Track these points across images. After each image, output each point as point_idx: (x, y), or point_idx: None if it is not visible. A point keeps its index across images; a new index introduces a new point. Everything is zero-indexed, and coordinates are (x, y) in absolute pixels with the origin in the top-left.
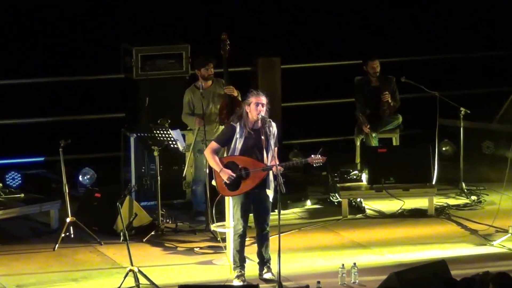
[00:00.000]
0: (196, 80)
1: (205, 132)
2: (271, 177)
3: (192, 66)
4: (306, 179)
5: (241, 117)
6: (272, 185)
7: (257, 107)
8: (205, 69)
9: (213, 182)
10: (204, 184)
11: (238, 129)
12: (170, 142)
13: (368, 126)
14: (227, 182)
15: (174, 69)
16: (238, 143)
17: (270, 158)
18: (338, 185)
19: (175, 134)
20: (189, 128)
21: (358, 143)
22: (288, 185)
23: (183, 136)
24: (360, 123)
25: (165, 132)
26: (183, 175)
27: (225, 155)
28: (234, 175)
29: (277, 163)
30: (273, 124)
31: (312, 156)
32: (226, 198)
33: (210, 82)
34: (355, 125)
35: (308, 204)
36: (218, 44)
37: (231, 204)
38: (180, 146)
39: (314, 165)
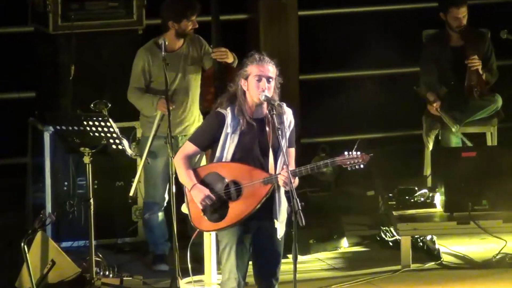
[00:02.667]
0: (157, 34)
1: (171, 124)
2: (280, 198)
3: (162, 16)
4: (340, 203)
5: (235, 98)
6: (283, 212)
7: (259, 82)
8: (186, 22)
9: (183, 208)
10: (165, 210)
11: (229, 119)
12: (112, 141)
13: (438, 104)
14: (202, 207)
15: (117, 17)
16: (229, 142)
17: (281, 164)
18: (394, 213)
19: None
20: (142, 117)
21: (429, 143)
22: (310, 213)
23: (128, 138)
24: (426, 99)
25: (102, 123)
26: (133, 194)
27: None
28: (211, 196)
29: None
30: (287, 111)
31: (346, 153)
32: (206, 234)
33: (181, 41)
34: (422, 112)
35: (344, 245)
36: None
37: (215, 245)
38: (128, 148)
39: (350, 168)
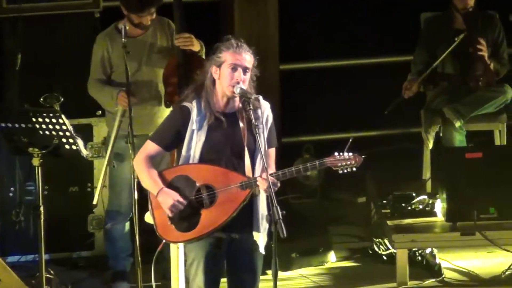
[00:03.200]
0: (118, 18)
1: (132, 120)
2: (260, 206)
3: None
4: (326, 211)
5: (201, 89)
6: (263, 222)
7: (234, 72)
8: (137, 17)
9: (147, 217)
10: (131, 220)
11: (195, 114)
12: (64, 140)
13: (415, 88)
14: (171, 214)
15: None
16: (196, 140)
17: (260, 167)
18: (389, 222)
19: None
20: (108, 114)
21: (429, 141)
22: (292, 223)
23: (84, 137)
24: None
25: (54, 120)
26: (96, 202)
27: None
28: (182, 200)
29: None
30: (264, 104)
31: (336, 154)
32: (174, 247)
33: (142, 27)
34: (421, 106)
35: (331, 259)
36: None
37: (182, 259)
38: (83, 148)
39: (341, 171)
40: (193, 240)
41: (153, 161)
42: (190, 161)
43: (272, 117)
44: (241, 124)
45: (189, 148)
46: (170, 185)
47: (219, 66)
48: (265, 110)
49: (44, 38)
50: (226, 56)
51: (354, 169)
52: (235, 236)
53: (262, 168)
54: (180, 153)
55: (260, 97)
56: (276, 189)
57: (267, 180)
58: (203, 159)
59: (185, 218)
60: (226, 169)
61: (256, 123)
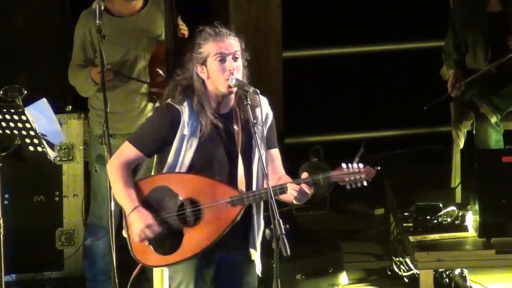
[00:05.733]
0: None
1: (113, 115)
2: (259, 221)
3: None
4: (337, 225)
5: (191, 90)
6: (257, 240)
7: (223, 62)
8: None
9: (124, 234)
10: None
11: (187, 117)
12: (28, 141)
13: (462, 86)
14: (138, 241)
15: None
16: (186, 147)
17: (259, 175)
18: (411, 238)
19: (48, 125)
20: (91, 110)
21: (459, 140)
22: (297, 239)
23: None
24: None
25: (15, 117)
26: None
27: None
28: (155, 226)
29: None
30: (262, 101)
31: (343, 166)
32: (157, 271)
33: (137, 5)
34: (449, 101)
35: (344, 282)
36: None
37: (167, 281)
38: (50, 150)
39: (349, 186)
40: (175, 264)
41: (130, 167)
42: (177, 170)
43: (272, 115)
44: (235, 127)
45: (177, 156)
46: (148, 198)
47: (203, 63)
48: (263, 107)
49: (4, 21)
50: (208, 48)
51: (365, 183)
52: (227, 255)
53: (262, 180)
54: (165, 159)
55: (258, 93)
56: (304, 200)
57: (297, 187)
58: (191, 169)
59: (165, 238)
60: (214, 181)
61: (254, 121)
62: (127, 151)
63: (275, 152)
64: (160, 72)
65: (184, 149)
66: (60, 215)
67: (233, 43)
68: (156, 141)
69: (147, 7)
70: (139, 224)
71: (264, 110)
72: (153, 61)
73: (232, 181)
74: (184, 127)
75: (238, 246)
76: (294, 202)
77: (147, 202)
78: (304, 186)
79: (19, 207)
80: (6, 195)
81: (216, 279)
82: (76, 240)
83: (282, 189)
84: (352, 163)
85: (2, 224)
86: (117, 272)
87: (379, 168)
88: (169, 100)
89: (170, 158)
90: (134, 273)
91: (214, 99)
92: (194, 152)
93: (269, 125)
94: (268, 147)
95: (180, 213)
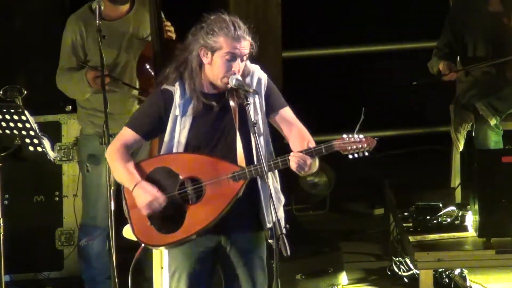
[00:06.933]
0: None
1: (108, 116)
2: (263, 192)
3: None
4: (337, 225)
5: (185, 69)
6: (269, 216)
7: (231, 62)
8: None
9: (126, 231)
10: (107, 235)
11: (178, 98)
12: (28, 141)
13: (457, 71)
14: (146, 214)
15: None
16: (180, 127)
17: (264, 151)
18: (411, 238)
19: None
20: (80, 109)
21: (459, 142)
22: (297, 239)
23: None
24: (439, 73)
25: (15, 117)
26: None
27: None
28: (161, 197)
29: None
30: (259, 74)
31: (345, 136)
32: (156, 254)
33: (127, 5)
34: (451, 99)
35: (343, 282)
36: None
37: (167, 269)
38: (50, 150)
39: (351, 155)
40: (178, 243)
41: (129, 151)
42: (174, 151)
43: (267, 77)
44: (231, 103)
45: (172, 136)
46: (148, 178)
47: (212, 51)
48: (255, 74)
49: (2, 21)
50: (224, 44)
51: (367, 153)
52: (235, 237)
53: (265, 154)
54: (161, 142)
55: (255, 68)
56: (314, 169)
57: (301, 156)
58: (188, 148)
59: (167, 217)
60: (214, 158)
61: (254, 120)
62: (125, 134)
63: (286, 112)
64: (149, 69)
65: (178, 129)
66: (60, 215)
67: (247, 46)
68: (152, 124)
69: (134, 9)
70: (144, 197)
71: (255, 76)
72: (141, 61)
73: (232, 157)
74: (176, 108)
75: (247, 225)
76: (297, 172)
77: (147, 181)
78: (304, 155)
79: (19, 207)
80: (6, 195)
81: (223, 267)
82: (76, 240)
83: (285, 161)
84: (352, 133)
85: (2, 224)
86: (117, 272)
87: (377, 138)
88: (165, 85)
89: (166, 140)
90: (136, 255)
91: (207, 82)
92: (188, 131)
93: (266, 87)
94: (275, 109)
95: (182, 192)
